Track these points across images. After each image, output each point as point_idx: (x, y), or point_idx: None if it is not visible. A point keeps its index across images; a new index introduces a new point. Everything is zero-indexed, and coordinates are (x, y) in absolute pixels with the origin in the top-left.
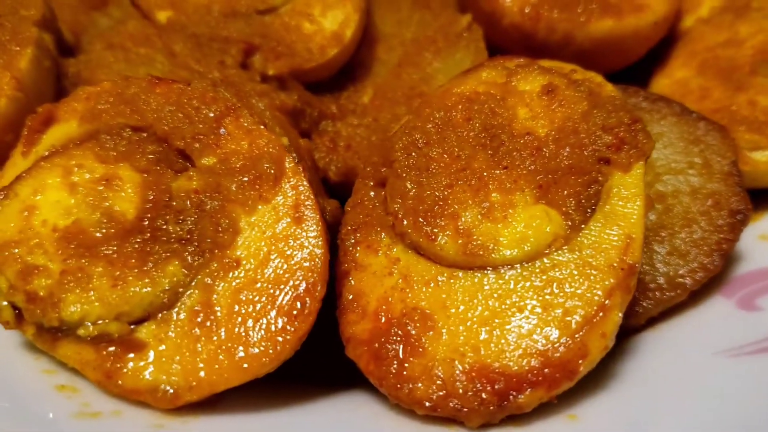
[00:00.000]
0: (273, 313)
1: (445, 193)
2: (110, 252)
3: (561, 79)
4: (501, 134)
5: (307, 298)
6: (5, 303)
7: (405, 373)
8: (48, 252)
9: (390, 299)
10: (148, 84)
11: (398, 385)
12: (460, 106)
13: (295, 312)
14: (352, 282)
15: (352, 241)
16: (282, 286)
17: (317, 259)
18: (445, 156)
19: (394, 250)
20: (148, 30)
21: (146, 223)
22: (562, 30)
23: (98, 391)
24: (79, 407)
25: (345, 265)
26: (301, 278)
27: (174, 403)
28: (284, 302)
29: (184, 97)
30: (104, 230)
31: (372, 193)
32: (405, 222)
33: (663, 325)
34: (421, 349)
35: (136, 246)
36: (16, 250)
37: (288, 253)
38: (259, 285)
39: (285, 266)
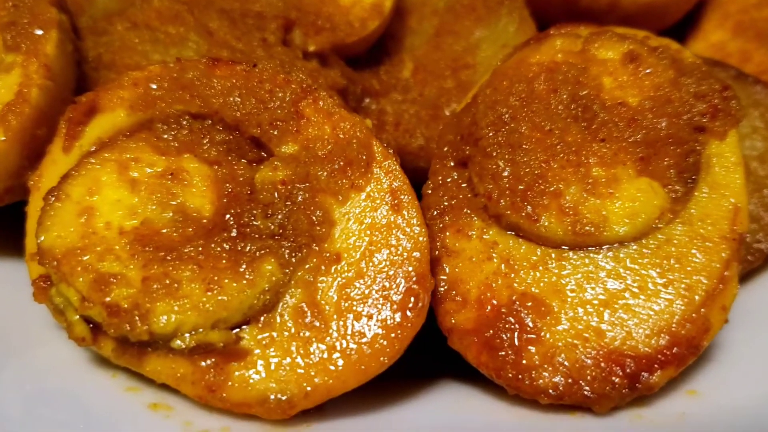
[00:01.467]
0: (387, 309)
1: (543, 170)
2: (195, 253)
3: (640, 47)
4: (592, 105)
5: (420, 291)
6: (77, 317)
7: (524, 362)
8: (121, 258)
9: (493, 285)
10: (206, 67)
11: (519, 376)
12: (542, 77)
13: (410, 305)
14: (446, 269)
15: (440, 225)
16: (393, 279)
17: (423, 248)
18: (536, 131)
19: (490, 233)
20: (176, 6)
21: (230, 219)
22: None
23: (195, 407)
24: (182, 427)
25: (434, 252)
26: (411, 269)
27: (288, 412)
28: (397, 296)
29: (254, 79)
30: (181, 230)
31: (455, 175)
32: (501, 203)
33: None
34: (538, 337)
35: (225, 245)
36: (85, 258)
37: (393, 243)
38: (367, 279)
39: (392, 257)
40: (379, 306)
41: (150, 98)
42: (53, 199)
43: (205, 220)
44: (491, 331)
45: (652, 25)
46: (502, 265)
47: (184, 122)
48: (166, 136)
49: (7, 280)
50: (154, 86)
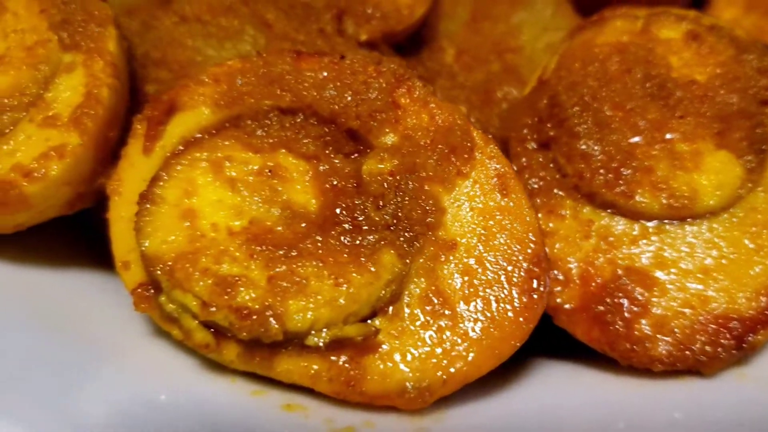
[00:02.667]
0: (512, 292)
1: (631, 147)
2: (314, 249)
3: (698, 26)
4: (666, 83)
5: (540, 272)
6: (196, 324)
7: (636, 334)
8: (239, 259)
9: (596, 263)
10: (293, 60)
11: (633, 347)
12: (614, 58)
13: (533, 287)
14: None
15: None
16: (513, 262)
17: (536, 230)
18: (618, 110)
19: (584, 211)
20: None
21: (341, 213)
22: None
23: (328, 404)
24: (326, 425)
25: None
26: (529, 252)
27: (427, 401)
28: (519, 278)
29: (347, 71)
30: (292, 226)
31: (540, 157)
32: (595, 181)
33: None
34: (647, 308)
35: (342, 239)
36: (201, 262)
37: (507, 226)
38: (487, 264)
39: (508, 241)
40: (504, 290)
41: (236, 94)
42: (148, 203)
43: (313, 216)
44: (600, 307)
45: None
46: (601, 242)
47: (274, 117)
48: (258, 132)
49: (77, 287)
50: (240, 82)
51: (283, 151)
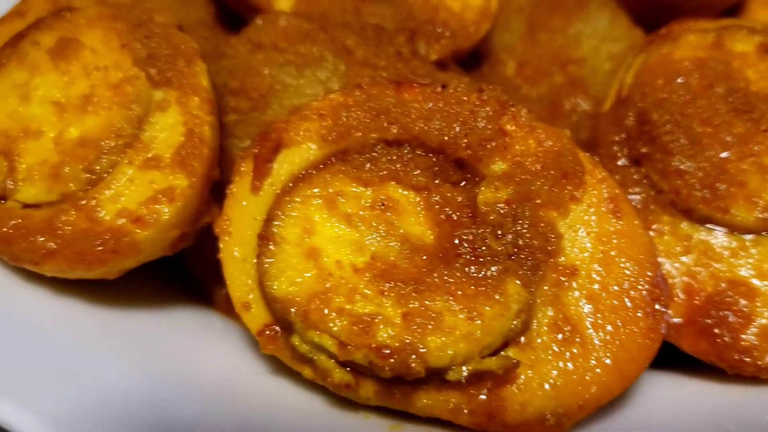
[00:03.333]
0: (637, 314)
1: (723, 162)
2: (441, 283)
3: (766, 37)
4: (749, 97)
5: (659, 293)
6: (333, 363)
7: (743, 344)
8: (370, 297)
9: (698, 276)
10: (395, 91)
11: (741, 357)
12: (695, 74)
13: (656, 309)
14: None
15: None
16: (635, 285)
17: (652, 251)
18: (707, 126)
19: (682, 226)
20: (305, 25)
21: (461, 244)
22: None
23: None
24: None
25: None
26: (648, 274)
27: (565, 427)
28: (642, 301)
29: (452, 100)
30: (414, 260)
31: (635, 175)
32: (692, 198)
33: None
34: (752, 318)
35: (467, 271)
36: (336, 302)
37: (625, 249)
38: (610, 288)
39: (627, 264)
40: (629, 313)
41: (343, 128)
42: (271, 244)
43: (432, 248)
44: (707, 320)
45: (715, 10)
46: (702, 256)
47: (381, 150)
48: (366, 166)
49: (181, 326)
50: (346, 116)
51: (393, 183)
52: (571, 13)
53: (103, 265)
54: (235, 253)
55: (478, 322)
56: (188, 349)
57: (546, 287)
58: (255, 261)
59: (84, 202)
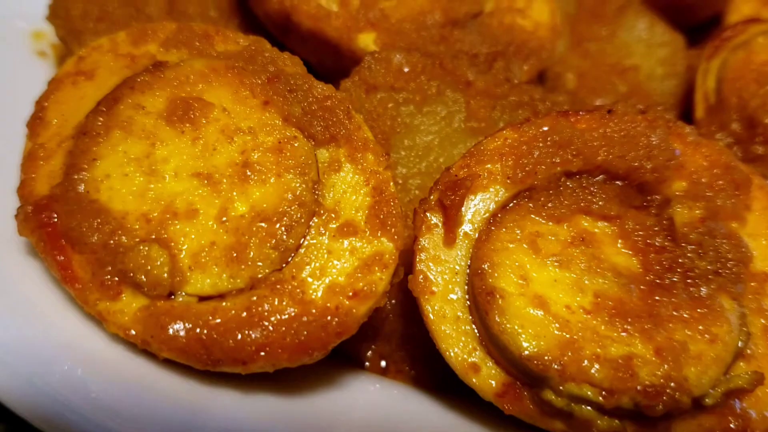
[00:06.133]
0: None
1: None
2: (672, 310)
3: None
4: None
5: None
6: (594, 412)
7: None
8: (615, 337)
9: None
10: (565, 121)
11: None
12: None
13: None
14: None
15: None
16: None
17: None
18: None
19: None
20: (417, 60)
21: (671, 268)
22: None
23: None
24: None
25: None
26: None
27: None
28: None
29: (627, 125)
30: (633, 291)
31: None
32: None
33: None
34: None
35: (687, 294)
36: (588, 350)
37: None
38: None
39: None
40: None
41: (529, 166)
42: (498, 298)
43: (644, 276)
44: None
45: (717, 9)
46: None
47: (563, 183)
48: (550, 201)
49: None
50: (528, 153)
51: (584, 216)
52: (611, 22)
53: (325, 349)
54: (447, 313)
55: (719, 343)
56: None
57: (749, 296)
58: (471, 319)
59: (284, 283)
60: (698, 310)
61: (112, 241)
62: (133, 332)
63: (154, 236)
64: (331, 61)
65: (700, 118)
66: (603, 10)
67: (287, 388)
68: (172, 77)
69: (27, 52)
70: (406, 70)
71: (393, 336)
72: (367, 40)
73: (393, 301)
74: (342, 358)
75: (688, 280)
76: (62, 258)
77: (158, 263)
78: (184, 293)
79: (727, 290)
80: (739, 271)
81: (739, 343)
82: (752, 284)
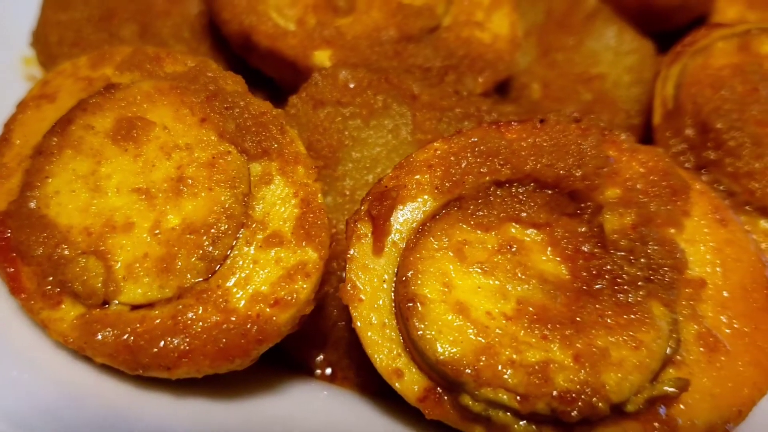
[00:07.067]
0: (765, 316)
1: None
2: (594, 317)
3: None
4: None
5: None
6: (510, 417)
7: None
8: (534, 343)
9: None
10: (497, 131)
11: None
12: (737, 79)
13: None
14: None
15: None
16: (756, 288)
17: (759, 251)
18: (764, 126)
19: (761, 223)
20: (366, 76)
21: (599, 274)
22: None
23: None
24: None
25: None
26: (766, 274)
27: None
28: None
29: (554, 133)
30: (559, 298)
31: (704, 180)
32: (766, 196)
33: None
34: None
35: (614, 301)
36: (505, 355)
37: (739, 255)
38: (737, 293)
39: (744, 268)
40: (758, 314)
41: (456, 176)
42: (418, 304)
43: (571, 283)
44: None
45: (697, 12)
46: None
47: (493, 192)
48: (480, 210)
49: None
50: (456, 163)
51: (512, 224)
52: (579, 31)
53: (246, 356)
54: (373, 320)
55: (643, 350)
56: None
57: (683, 303)
58: (396, 325)
59: (209, 292)
60: (624, 317)
61: (55, 254)
62: (71, 339)
63: (93, 249)
64: (290, 77)
65: (657, 124)
66: (570, 19)
67: (228, 393)
68: (120, 98)
69: (17, 77)
70: (351, 86)
71: (340, 343)
72: (322, 57)
73: (335, 311)
74: (293, 365)
75: (616, 287)
76: (12, 270)
77: (94, 274)
78: (117, 302)
79: (658, 297)
80: (673, 278)
81: (668, 350)
82: (687, 290)
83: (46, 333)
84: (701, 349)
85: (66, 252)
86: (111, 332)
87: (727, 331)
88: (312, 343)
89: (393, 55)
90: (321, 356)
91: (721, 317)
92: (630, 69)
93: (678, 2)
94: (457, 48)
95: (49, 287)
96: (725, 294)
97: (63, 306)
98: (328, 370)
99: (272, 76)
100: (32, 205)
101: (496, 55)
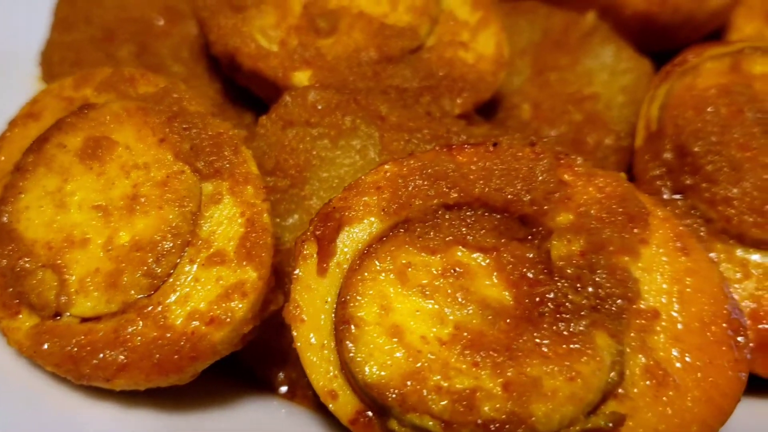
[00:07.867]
0: (723, 350)
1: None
2: (531, 345)
3: None
4: None
5: (739, 324)
6: None
7: None
8: (465, 371)
9: (762, 301)
10: (447, 154)
11: None
12: (722, 101)
13: (738, 341)
14: None
15: None
16: (714, 321)
17: (723, 282)
18: (745, 151)
19: (737, 252)
20: (334, 97)
21: (542, 302)
22: (686, 10)
23: None
24: None
25: None
26: (726, 307)
27: None
28: (725, 336)
29: (508, 158)
30: (498, 325)
31: (681, 207)
32: (744, 223)
33: None
34: None
35: (554, 329)
36: (433, 380)
37: (699, 286)
38: (693, 326)
39: (704, 299)
40: (714, 349)
41: (403, 198)
42: (352, 326)
43: (513, 310)
44: None
45: (708, 29)
46: (762, 279)
47: (443, 215)
48: (427, 233)
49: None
50: (403, 185)
51: (459, 247)
52: (575, 50)
53: (180, 372)
54: (312, 340)
55: (579, 381)
56: None
57: (632, 334)
58: (334, 346)
59: (150, 308)
60: (563, 346)
61: (17, 266)
62: (25, 347)
63: (51, 262)
64: (274, 96)
65: (639, 146)
66: (567, 38)
67: (183, 407)
68: (92, 118)
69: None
70: (320, 107)
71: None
72: (302, 78)
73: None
74: (259, 382)
75: (558, 315)
76: None
77: (48, 287)
78: (69, 314)
79: (604, 327)
80: (622, 307)
81: (609, 382)
82: (638, 321)
83: (6, 341)
84: (647, 382)
85: (27, 265)
86: (57, 342)
87: (678, 365)
88: (274, 360)
89: (371, 75)
90: (282, 374)
91: (673, 350)
92: (624, 89)
93: (681, 19)
94: (438, 69)
95: (9, 297)
96: (679, 326)
97: (20, 316)
98: (285, 388)
99: (259, 94)
100: (5, 219)
101: (478, 75)
